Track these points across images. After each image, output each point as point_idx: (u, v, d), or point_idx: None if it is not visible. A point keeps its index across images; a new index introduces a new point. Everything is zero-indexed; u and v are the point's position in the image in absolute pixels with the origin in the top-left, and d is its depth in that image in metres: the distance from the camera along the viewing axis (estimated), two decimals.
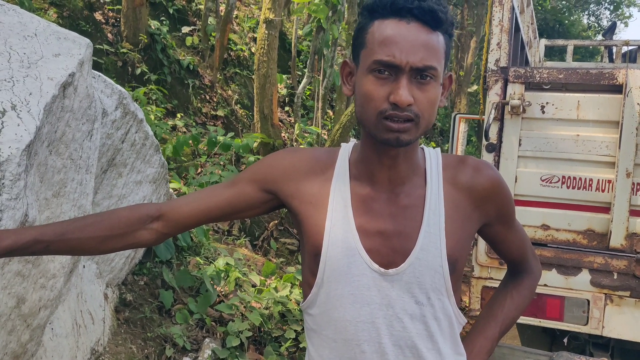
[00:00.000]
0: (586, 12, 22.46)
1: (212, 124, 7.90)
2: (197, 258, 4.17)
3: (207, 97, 8.53)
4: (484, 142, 2.73)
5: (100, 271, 3.16)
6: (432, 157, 1.30)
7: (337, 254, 1.21)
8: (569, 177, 2.63)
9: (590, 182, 2.60)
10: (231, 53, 9.55)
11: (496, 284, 2.70)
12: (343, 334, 1.22)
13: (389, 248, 1.21)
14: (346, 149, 1.30)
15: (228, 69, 9.66)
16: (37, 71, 1.81)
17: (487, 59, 2.73)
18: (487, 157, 2.73)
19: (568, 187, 2.63)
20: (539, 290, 2.65)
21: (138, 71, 7.30)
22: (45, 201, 2.01)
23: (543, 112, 2.67)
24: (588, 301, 2.57)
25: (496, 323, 1.43)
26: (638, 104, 2.51)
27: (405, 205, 1.24)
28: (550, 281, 2.64)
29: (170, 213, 1.29)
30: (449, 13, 1.17)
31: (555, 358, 2.54)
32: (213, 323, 3.70)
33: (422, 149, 1.32)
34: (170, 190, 4.05)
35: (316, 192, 1.26)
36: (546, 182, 2.66)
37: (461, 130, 4.85)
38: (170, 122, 6.87)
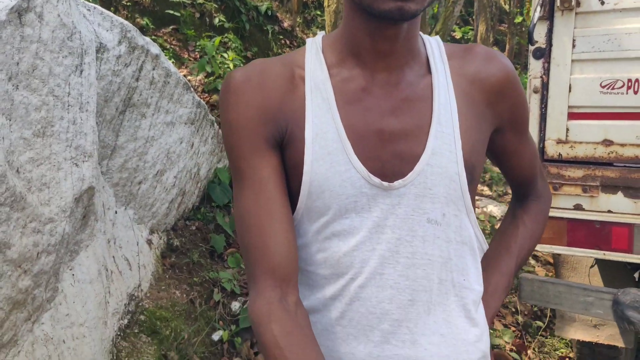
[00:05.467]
0: None
1: None
2: None
3: (288, 42, 8.35)
4: (530, 48, 2.31)
5: (139, 217, 3.11)
6: (433, 44, 1.02)
7: (324, 171, 0.93)
8: (636, 80, 2.16)
9: None
10: None
11: (554, 213, 2.32)
12: (336, 267, 0.95)
13: (390, 154, 0.94)
14: (315, 42, 1.01)
15: (308, 12, 9.41)
16: None
17: None
18: (535, 65, 2.32)
19: (635, 92, 2.16)
20: (602, 218, 2.25)
21: (216, 21, 7.22)
22: (23, 141, 1.91)
23: (602, 3, 2.20)
24: None
25: (510, 256, 1.15)
26: None
27: (408, 98, 0.95)
28: (616, 207, 2.22)
29: (284, 275, 0.92)
30: None
31: (620, 296, 2.15)
32: None
33: (420, 34, 1.02)
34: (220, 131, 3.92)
35: (295, 106, 0.97)
36: (608, 89, 2.20)
37: None
38: None
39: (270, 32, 7.85)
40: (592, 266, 2.63)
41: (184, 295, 3.14)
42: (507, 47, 12.50)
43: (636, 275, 2.47)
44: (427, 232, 0.95)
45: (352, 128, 0.94)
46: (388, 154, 0.94)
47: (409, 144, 0.94)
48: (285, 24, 8.39)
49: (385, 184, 0.93)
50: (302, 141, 0.94)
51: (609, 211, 2.23)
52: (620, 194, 2.21)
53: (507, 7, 13.51)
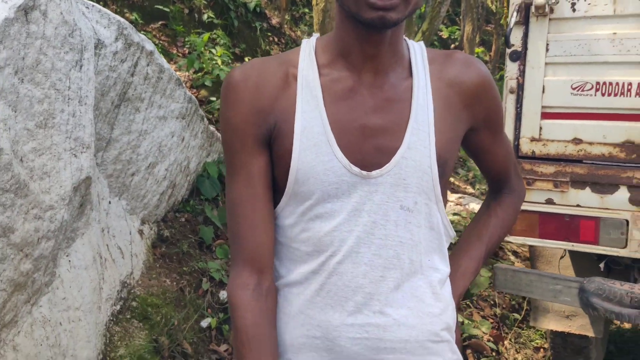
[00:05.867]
0: None
1: None
2: None
3: (276, 39, 8.45)
4: (507, 51, 2.46)
5: (132, 207, 3.22)
6: (417, 49, 1.14)
7: (310, 161, 1.06)
8: (604, 83, 2.31)
9: (629, 87, 2.27)
10: None
11: (527, 207, 2.46)
12: (317, 245, 1.08)
13: (371, 146, 1.06)
14: (309, 44, 1.13)
15: (296, 9, 9.50)
16: None
17: None
18: (512, 67, 2.46)
19: (603, 95, 2.32)
20: (572, 211, 2.40)
21: (205, 17, 7.29)
22: (26, 132, 2.01)
23: (574, 10, 2.34)
24: (627, 221, 2.29)
25: (481, 243, 1.29)
26: None
27: (390, 98, 1.08)
28: (584, 201, 2.37)
29: (261, 263, 1.10)
30: None
31: (585, 284, 2.30)
32: None
33: (405, 39, 1.15)
34: (211, 128, 4.03)
35: (286, 102, 1.09)
36: (578, 90, 2.35)
37: None
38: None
39: (258, 28, 7.94)
40: (561, 257, 2.78)
41: (174, 284, 3.25)
42: (494, 47, 12.68)
43: (601, 265, 2.63)
44: (399, 217, 1.08)
45: (338, 123, 1.07)
46: (369, 147, 1.07)
47: (387, 139, 1.07)
48: (274, 21, 8.49)
49: (364, 173, 1.06)
50: (292, 134, 1.07)
51: (578, 205, 2.38)
52: (588, 189, 2.36)
53: (493, 7, 13.70)
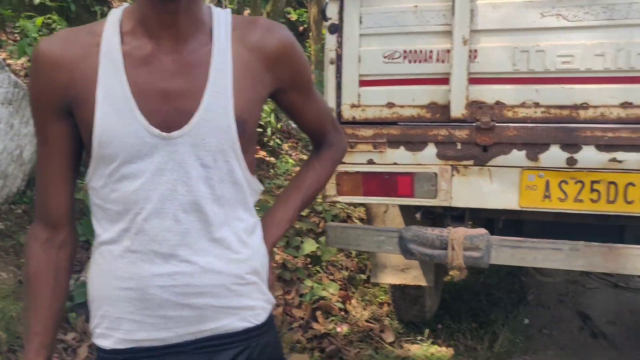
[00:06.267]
0: None
1: None
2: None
3: None
4: (326, 24, 2.62)
5: None
6: (221, 16, 1.21)
7: (112, 125, 1.12)
8: (410, 51, 2.55)
9: (430, 54, 2.53)
10: None
11: (351, 168, 2.67)
12: (125, 204, 1.15)
13: (172, 109, 1.13)
14: (116, 13, 1.18)
15: None
16: None
17: None
18: (331, 39, 2.63)
19: (410, 62, 2.56)
20: (390, 169, 2.63)
21: (37, 0, 6.86)
22: None
23: None
24: (435, 174, 2.56)
25: (299, 193, 1.41)
26: None
27: (190, 63, 1.15)
28: (400, 159, 2.61)
29: (53, 220, 1.22)
30: None
31: (403, 233, 2.55)
32: None
33: (210, 7, 1.22)
34: None
35: (87, 71, 1.14)
36: (388, 59, 2.58)
37: None
38: None
39: (99, 13, 7.62)
40: (385, 212, 3.04)
41: (11, 277, 3.13)
42: None
43: (418, 215, 2.91)
44: (200, 174, 1.17)
45: (138, 88, 1.14)
46: (169, 110, 1.15)
47: (187, 101, 1.15)
48: (115, 5, 8.19)
49: (164, 134, 1.14)
50: (93, 100, 1.13)
51: (395, 163, 2.62)
52: (402, 148, 2.60)
53: None
